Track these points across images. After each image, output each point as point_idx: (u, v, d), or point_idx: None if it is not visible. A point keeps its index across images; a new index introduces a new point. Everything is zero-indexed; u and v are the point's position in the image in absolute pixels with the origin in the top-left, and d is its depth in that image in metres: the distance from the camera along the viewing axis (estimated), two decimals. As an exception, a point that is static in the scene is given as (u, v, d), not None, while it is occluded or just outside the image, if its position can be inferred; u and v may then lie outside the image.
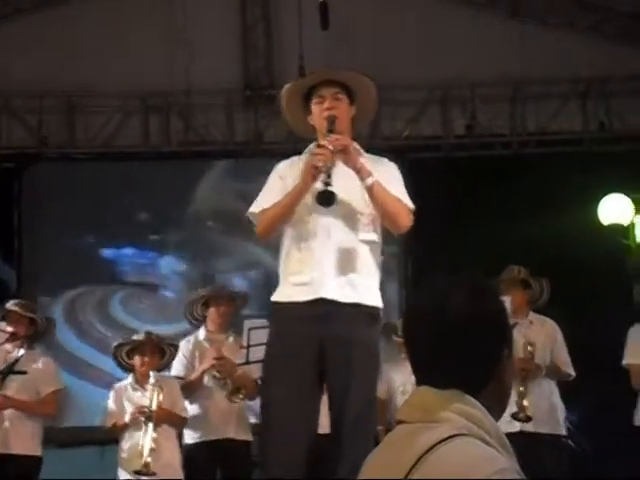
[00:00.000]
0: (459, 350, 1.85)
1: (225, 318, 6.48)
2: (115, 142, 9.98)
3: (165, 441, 5.99)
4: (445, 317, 1.85)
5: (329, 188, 3.75)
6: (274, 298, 4.02)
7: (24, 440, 6.13)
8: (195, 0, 9.80)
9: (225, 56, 9.92)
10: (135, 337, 6.34)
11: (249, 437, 6.37)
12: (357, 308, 3.88)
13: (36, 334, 6.37)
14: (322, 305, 3.84)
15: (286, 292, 3.97)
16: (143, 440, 5.85)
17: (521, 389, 6.11)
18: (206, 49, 9.76)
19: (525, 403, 6.13)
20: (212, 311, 6.51)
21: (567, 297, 7.89)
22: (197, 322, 6.63)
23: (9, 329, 6.03)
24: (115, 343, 6.42)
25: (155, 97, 9.94)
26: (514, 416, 6.04)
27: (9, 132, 9.95)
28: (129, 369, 6.29)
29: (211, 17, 9.84)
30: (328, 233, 3.92)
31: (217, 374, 6.25)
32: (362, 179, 3.89)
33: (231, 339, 6.45)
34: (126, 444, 6.04)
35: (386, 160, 4.22)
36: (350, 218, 3.94)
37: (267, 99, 9.81)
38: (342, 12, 8.98)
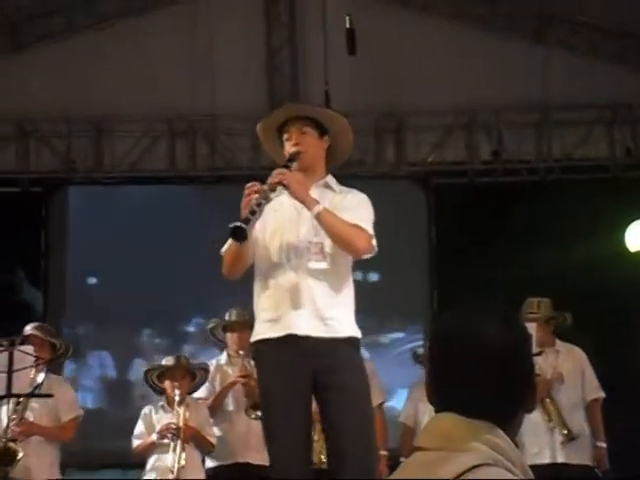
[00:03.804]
0: (497, 381, 1.84)
1: (243, 344, 6.46)
2: (142, 166, 10.04)
3: (191, 463, 5.98)
4: (483, 347, 1.85)
5: (237, 224, 3.76)
6: (252, 339, 4.11)
7: (45, 466, 6.11)
8: (220, 24, 9.85)
9: (250, 80, 9.96)
10: (164, 362, 6.35)
11: (267, 462, 6.33)
12: (331, 341, 3.91)
13: (55, 358, 6.39)
14: (295, 342, 3.89)
15: (259, 330, 4.04)
16: (173, 457, 5.85)
17: (553, 410, 6.15)
18: (231, 73, 9.81)
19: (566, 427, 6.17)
20: (229, 336, 6.55)
21: (595, 324, 7.84)
22: (221, 343, 6.65)
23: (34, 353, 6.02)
24: (144, 368, 6.44)
25: (181, 121, 10.00)
26: (562, 442, 6.09)
27: (37, 157, 10.03)
28: (161, 392, 6.30)
29: (236, 41, 9.89)
30: (293, 269, 3.97)
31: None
32: (309, 209, 3.92)
33: (253, 362, 6.43)
34: (153, 466, 6.05)
35: (355, 191, 4.24)
36: (312, 252, 3.98)
37: (293, 124, 9.84)
38: (366, 38, 9.00)
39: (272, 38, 10.10)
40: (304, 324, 3.90)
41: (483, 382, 1.84)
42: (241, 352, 6.38)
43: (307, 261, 3.96)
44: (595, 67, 9.80)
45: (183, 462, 5.84)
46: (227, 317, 6.59)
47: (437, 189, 9.96)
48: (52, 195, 10.05)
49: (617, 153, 9.92)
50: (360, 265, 4.27)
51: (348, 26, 8.45)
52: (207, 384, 6.41)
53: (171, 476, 5.80)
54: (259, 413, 6.10)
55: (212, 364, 6.54)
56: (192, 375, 6.27)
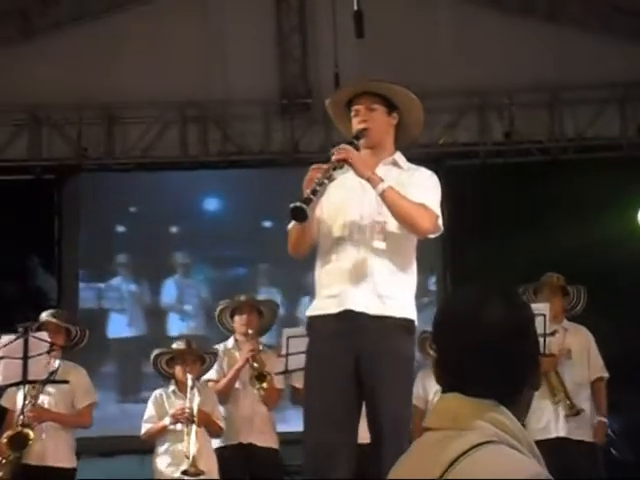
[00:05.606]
0: (499, 360, 1.85)
1: (249, 327, 6.49)
2: (153, 152, 10.06)
3: (204, 448, 6.01)
4: (483, 326, 1.86)
5: (297, 204, 3.70)
6: (308, 313, 4.06)
7: (61, 452, 6.16)
8: (231, 10, 9.85)
9: (261, 65, 9.96)
10: (175, 346, 6.34)
11: (274, 444, 6.39)
12: (385, 320, 3.86)
13: (70, 345, 6.42)
14: (351, 318, 3.84)
15: (318, 305, 4.00)
16: (187, 441, 5.86)
17: (557, 384, 6.17)
18: (242, 59, 9.81)
19: (570, 401, 6.19)
20: (237, 319, 6.56)
21: (607, 303, 7.84)
22: (229, 331, 6.67)
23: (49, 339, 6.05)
24: (155, 352, 6.41)
25: (193, 107, 10.01)
26: (567, 415, 6.15)
27: (49, 144, 10.06)
28: (169, 377, 6.31)
29: (247, 27, 9.89)
30: (354, 246, 3.93)
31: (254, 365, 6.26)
32: (373, 187, 3.88)
33: (260, 347, 6.48)
34: (164, 454, 6.06)
35: (423, 169, 4.20)
36: (375, 230, 3.93)
37: (303, 108, 9.85)
38: (376, 20, 8.97)
39: (282, 23, 10.08)
40: (361, 300, 3.85)
41: (484, 362, 1.84)
42: (250, 331, 6.42)
43: (369, 238, 3.92)
44: (607, 45, 9.74)
45: (198, 446, 5.86)
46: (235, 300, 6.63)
47: (449, 170, 9.93)
48: (64, 182, 10.08)
49: (629, 132, 9.88)
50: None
51: (356, 8, 8.40)
52: (216, 366, 6.44)
53: (186, 461, 5.82)
54: (265, 385, 6.18)
55: (220, 348, 6.57)
56: (202, 360, 6.29)
